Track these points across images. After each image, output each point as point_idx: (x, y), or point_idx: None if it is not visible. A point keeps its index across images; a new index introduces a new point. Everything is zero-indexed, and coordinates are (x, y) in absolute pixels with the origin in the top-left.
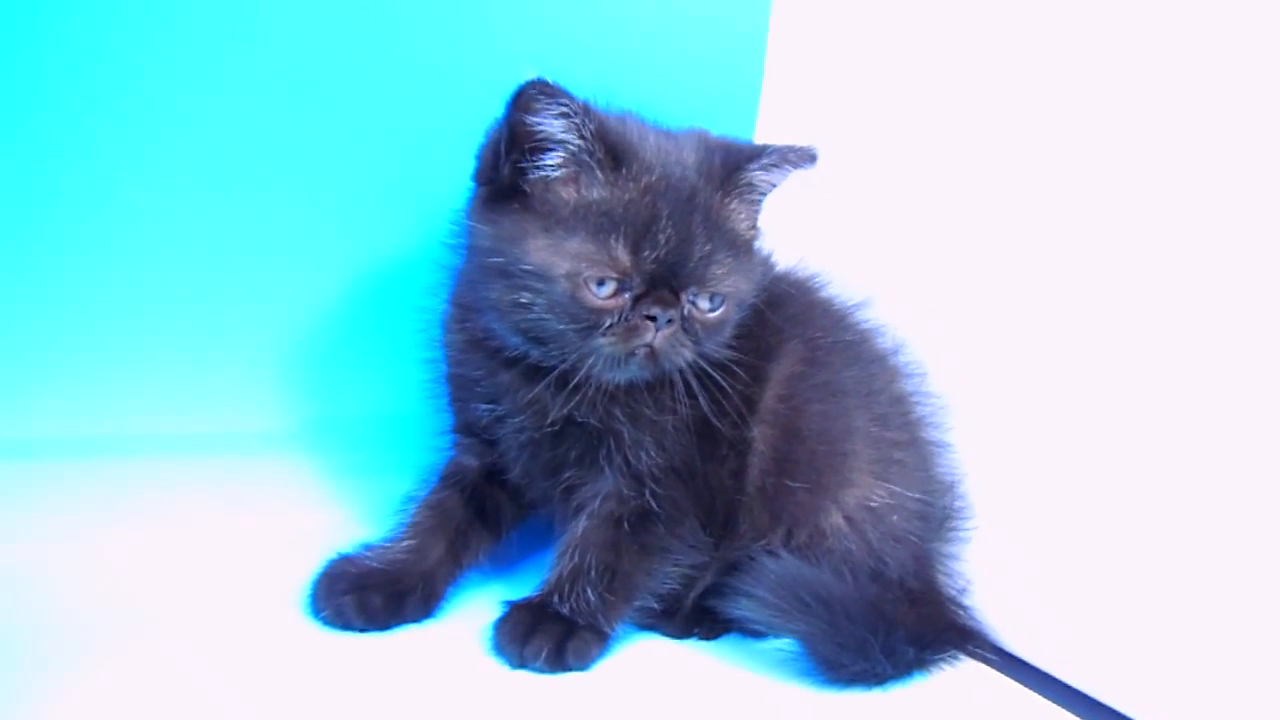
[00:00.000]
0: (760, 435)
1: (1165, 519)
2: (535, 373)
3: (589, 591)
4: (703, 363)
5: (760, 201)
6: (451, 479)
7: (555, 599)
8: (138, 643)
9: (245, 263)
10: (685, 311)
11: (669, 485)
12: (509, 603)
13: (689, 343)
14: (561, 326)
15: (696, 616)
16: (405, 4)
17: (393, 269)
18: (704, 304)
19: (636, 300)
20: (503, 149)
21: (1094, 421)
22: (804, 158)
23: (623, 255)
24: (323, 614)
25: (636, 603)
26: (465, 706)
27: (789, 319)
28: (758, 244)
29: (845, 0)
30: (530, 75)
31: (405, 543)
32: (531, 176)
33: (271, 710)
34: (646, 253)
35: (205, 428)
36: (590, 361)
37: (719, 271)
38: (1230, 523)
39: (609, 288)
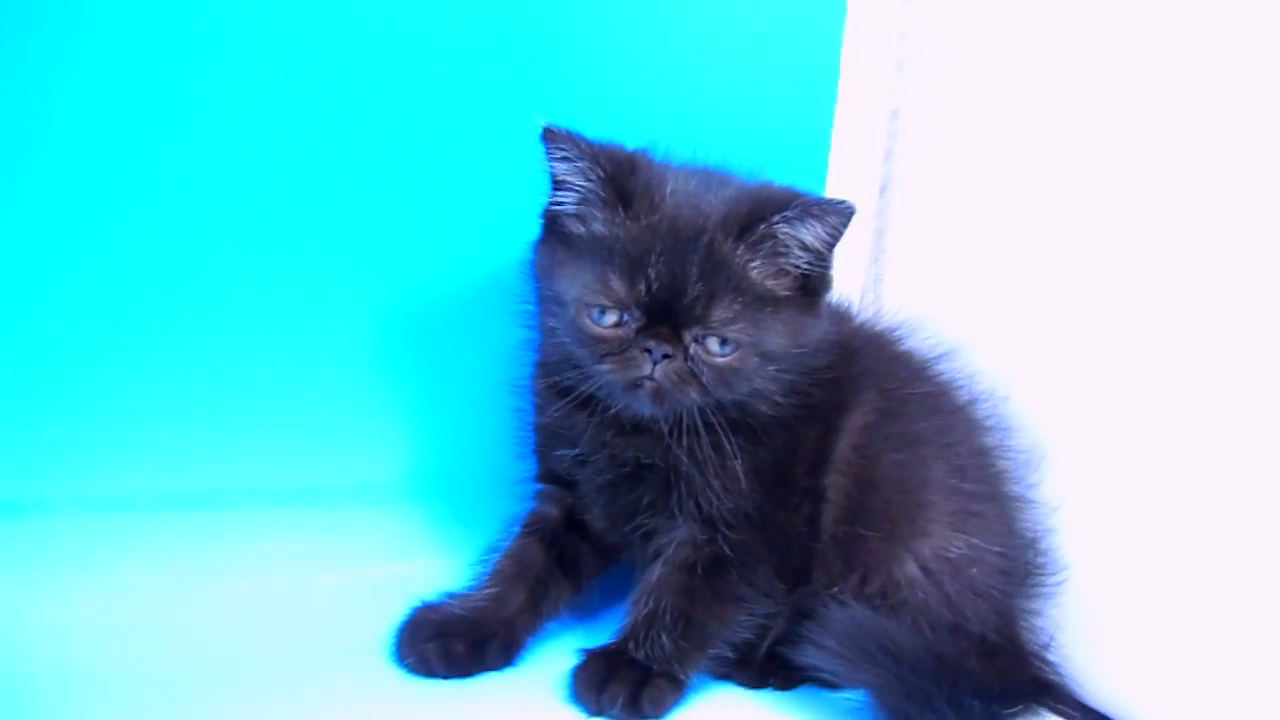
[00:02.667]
0: (834, 484)
1: (1254, 571)
2: (599, 411)
3: (664, 638)
4: (729, 410)
5: (794, 257)
6: (533, 527)
7: (631, 646)
8: (227, 690)
9: (337, 303)
10: (691, 352)
11: (741, 531)
12: (585, 650)
13: (696, 385)
14: (576, 351)
15: (771, 666)
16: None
17: (493, 315)
18: (713, 347)
19: (638, 333)
20: (551, 191)
21: (1182, 471)
22: (832, 212)
23: (617, 285)
24: (406, 661)
25: (712, 650)
26: None
27: (864, 370)
28: (816, 300)
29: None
30: (542, 122)
31: (487, 590)
32: (559, 213)
33: None
34: (640, 286)
35: (296, 480)
36: (604, 387)
37: (722, 315)
38: None
39: (610, 317)
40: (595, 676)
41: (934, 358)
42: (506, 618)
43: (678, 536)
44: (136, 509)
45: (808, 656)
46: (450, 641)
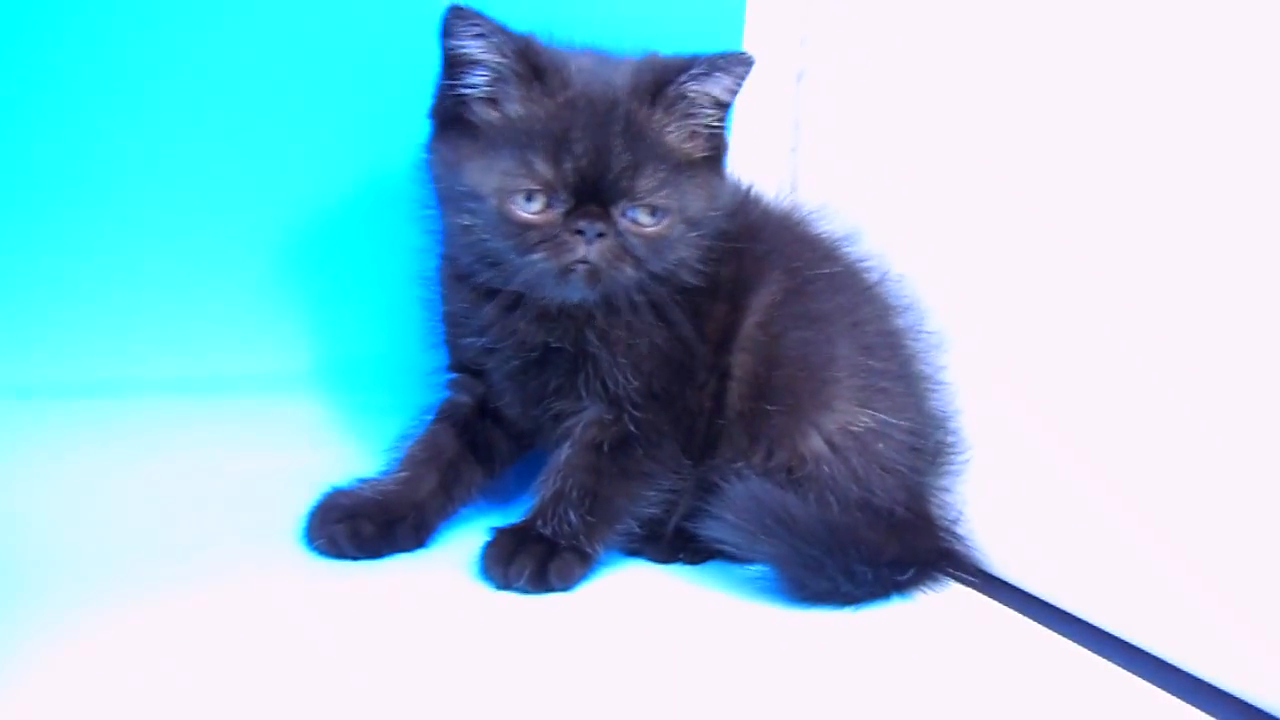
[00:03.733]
0: (739, 362)
1: (1146, 442)
2: (513, 302)
3: (570, 514)
4: (656, 283)
5: (704, 115)
6: (445, 415)
7: (539, 523)
8: (137, 571)
9: (249, 198)
10: (620, 227)
11: (647, 410)
12: (495, 528)
13: (630, 259)
14: (499, 245)
15: (681, 542)
16: None
17: (402, 208)
18: (643, 218)
19: (566, 216)
20: (441, 78)
21: (1081, 350)
22: (736, 63)
23: (542, 168)
24: (316, 543)
25: (619, 526)
26: (449, 627)
27: (771, 249)
28: (720, 163)
29: None
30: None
31: (398, 474)
32: (465, 100)
33: (263, 634)
34: (566, 164)
35: (212, 369)
36: (533, 280)
37: (648, 184)
38: (1214, 446)
39: (537, 203)
40: (503, 552)
41: (842, 239)
42: (417, 501)
43: (585, 417)
44: (47, 395)
45: (708, 530)
46: (360, 523)
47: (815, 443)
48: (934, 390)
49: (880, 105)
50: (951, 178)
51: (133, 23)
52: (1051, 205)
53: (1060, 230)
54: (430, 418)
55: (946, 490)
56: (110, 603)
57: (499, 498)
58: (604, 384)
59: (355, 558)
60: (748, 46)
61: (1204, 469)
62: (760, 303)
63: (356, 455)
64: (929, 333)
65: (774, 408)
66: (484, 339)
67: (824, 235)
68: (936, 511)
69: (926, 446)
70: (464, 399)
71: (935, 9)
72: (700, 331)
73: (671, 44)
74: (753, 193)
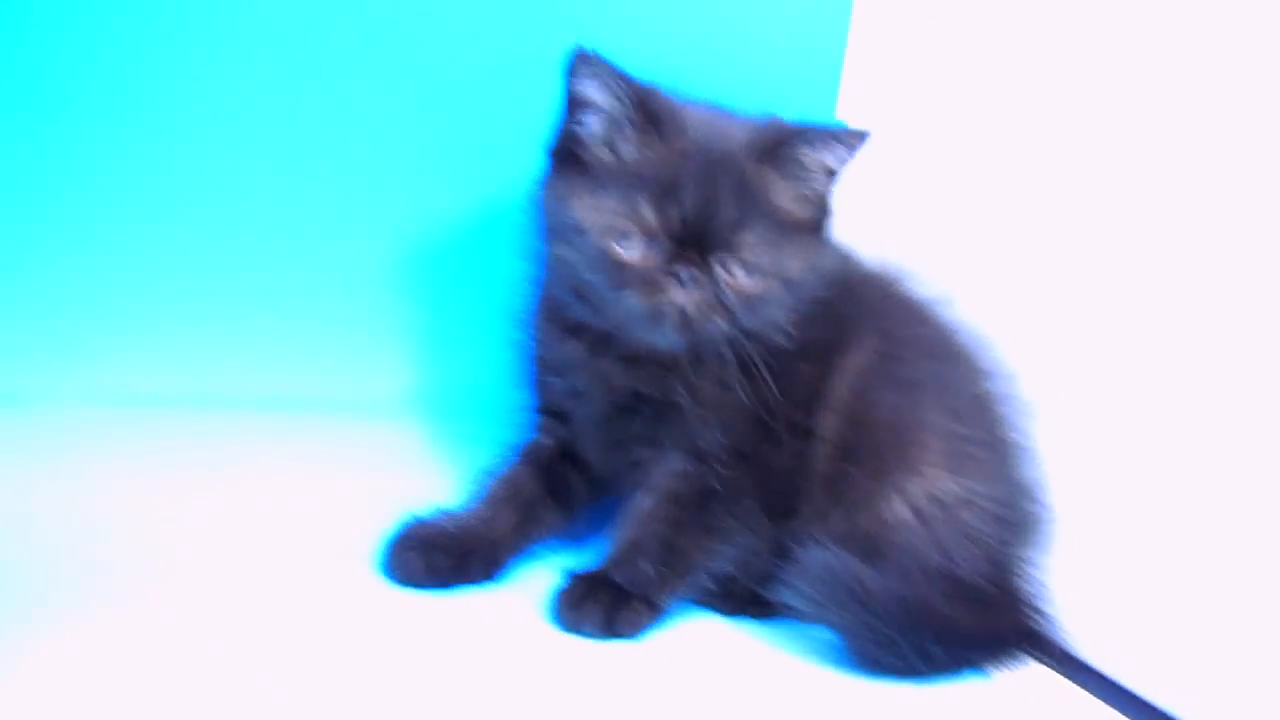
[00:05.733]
0: (827, 423)
1: (1247, 524)
2: (602, 343)
3: (644, 564)
4: (747, 340)
5: (815, 182)
6: (527, 455)
7: (613, 569)
8: (209, 587)
9: (358, 221)
10: (717, 278)
11: (731, 466)
12: (570, 572)
13: (723, 312)
14: (595, 279)
15: (751, 596)
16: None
17: (509, 241)
18: (739, 273)
19: (665, 261)
20: (561, 116)
21: (1186, 429)
22: (854, 138)
23: (646, 212)
24: (392, 570)
25: (692, 580)
26: (513, 664)
27: (865, 311)
28: (824, 229)
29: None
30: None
31: (477, 510)
32: (581, 140)
33: (324, 658)
34: (671, 211)
35: (311, 389)
36: (623, 318)
37: (750, 240)
38: None
39: (636, 244)
40: (574, 597)
41: (934, 301)
42: (493, 538)
43: (667, 467)
44: (143, 405)
45: (779, 595)
46: (434, 554)
47: (899, 508)
48: (1024, 459)
49: (977, 164)
50: (1046, 245)
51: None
52: (1144, 276)
53: (1156, 301)
54: (513, 457)
55: (1034, 565)
56: (181, 616)
57: (571, 537)
58: (689, 436)
59: (428, 588)
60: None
61: None
62: (851, 365)
63: (442, 485)
64: (1020, 399)
65: (858, 470)
66: (571, 380)
67: (918, 298)
68: (1022, 586)
69: (1014, 517)
70: (547, 441)
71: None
72: (788, 391)
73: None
74: (849, 253)
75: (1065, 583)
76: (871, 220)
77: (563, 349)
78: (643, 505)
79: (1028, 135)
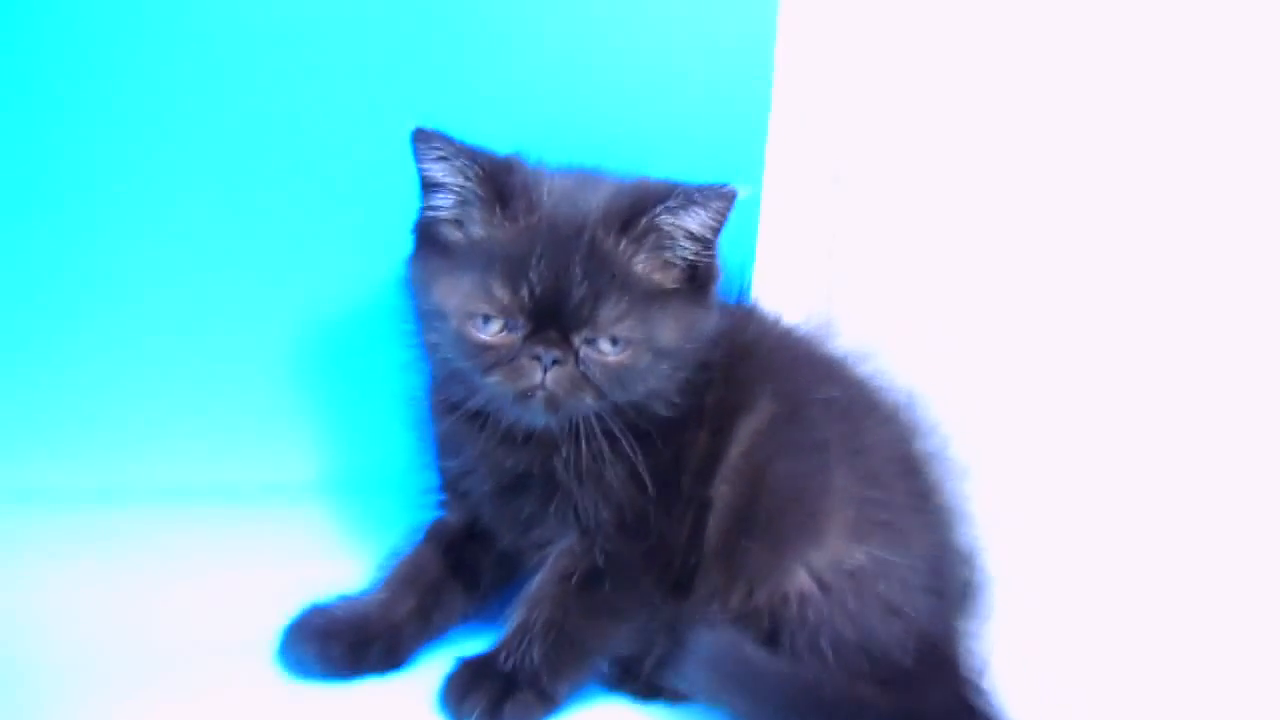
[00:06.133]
0: (720, 493)
1: (1211, 594)
2: (480, 422)
3: (534, 649)
4: (624, 412)
5: (678, 249)
6: (432, 535)
7: (502, 656)
8: (101, 682)
9: (257, 302)
10: (580, 355)
11: (619, 541)
12: (461, 658)
13: (590, 388)
14: (461, 365)
15: (660, 678)
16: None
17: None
18: (605, 347)
19: (525, 340)
20: (421, 198)
21: (1141, 483)
22: (714, 198)
23: (500, 292)
24: (287, 661)
25: (586, 665)
26: None
27: (759, 373)
28: (705, 291)
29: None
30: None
31: (375, 595)
32: (436, 220)
33: None
34: (522, 291)
35: (212, 476)
36: (493, 401)
37: (609, 314)
38: None
39: (494, 325)
40: (461, 685)
41: (851, 359)
42: (394, 622)
43: (559, 546)
44: (38, 501)
45: (673, 681)
46: (330, 643)
47: (802, 581)
48: (954, 523)
49: (919, 211)
50: (1000, 291)
51: (142, 117)
52: (1103, 327)
53: (1112, 354)
54: (418, 537)
55: (969, 636)
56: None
57: (489, 619)
58: (575, 513)
59: (325, 678)
60: (776, 145)
61: None
62: (746, 430)
63: (354, 570)
64: (952, 459)
65: (754, 543)
66: (462, 460)
67: (826, 356)
68: (957, 661)
69: (942, 586)
70: (453, 520)
71: (985, 108)
72: (678, 461)
73: (692, 139)
74: (751, 313)
75: (1008, 654)
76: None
77: (452, 429)
78: (533, 586)
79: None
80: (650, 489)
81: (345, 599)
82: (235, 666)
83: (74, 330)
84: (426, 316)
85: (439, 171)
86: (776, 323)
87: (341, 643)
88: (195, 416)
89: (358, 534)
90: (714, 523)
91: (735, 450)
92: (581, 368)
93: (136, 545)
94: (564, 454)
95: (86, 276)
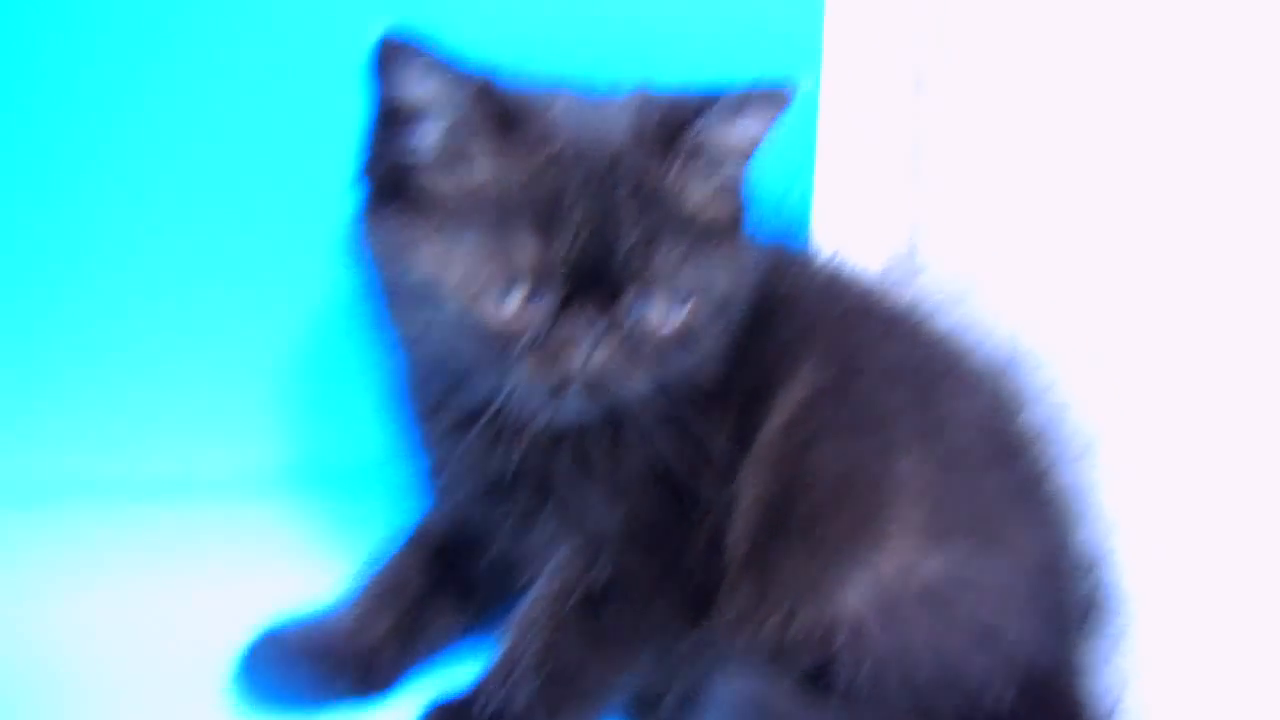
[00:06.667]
0: (750, 481)
1: None
2: (466, 421)
3: (520, 690)
4: (668, 389)
5: (730, 166)
6: (416, 541)
7: (480, 700)
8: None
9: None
10: (629, 321)
11: (630, 550)
12: (433, 703)
13: (641, 365)
14: (465, 359)
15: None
16: None
17: None
18: (657, 308)
19: (557, 310)
20: (374, 133)
21: None
22: (772, 100)
23: (526, 249)
24: (245, 689)
25: (588, 707)
26: None
27: (804, 330)
28: (742, 225)
29: None
30: (382, 30)
31: (347, 611)
32: (409, 164)
33: None
34: (557, 243)
35: (183, 467)
36: (510, 399)
37: (668, 260)
38: None
39: (516, 296)
40: None
41: (922, 310)
42: (368, 643)
43: (554, 560)
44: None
45: None
46: (293, 667)
47: (856, 598)
48: (1068, 519)
49: (1027, 118)
50: (1138, 223)
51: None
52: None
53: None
54: (400, 542)
55: (1095, 671)
56: None
57: (488, 637)
58: (576, 519)
59: (287, 708)
60: (836, 36)
61: None
62: (783, 405)
63: (330, 576)
64: (1070, 438)
65: (793, 550)
66: (439, 457)
67: (890, 307)
68: (1076, 703)
69: (1056, 604)
70: (439, 521)
71: None
72: (702, 447)
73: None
74: (789, 255)
75: (1146, 693)
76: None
77: (432, 428)
78: (523, 608)
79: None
80: (669, 484)
81: (314, 616)
82: (184, 692)
83: (36, 321)
84: (403, 296)
85: (419, 95)
86: (824, 266)
87: (309, 667)
88: (152, 403)
89: (331, 535)
90: (740, 524)
91: (769, 430)
92: (632, 339)
93: (88, 545)
94: (570, 448)
95: (52, 266)
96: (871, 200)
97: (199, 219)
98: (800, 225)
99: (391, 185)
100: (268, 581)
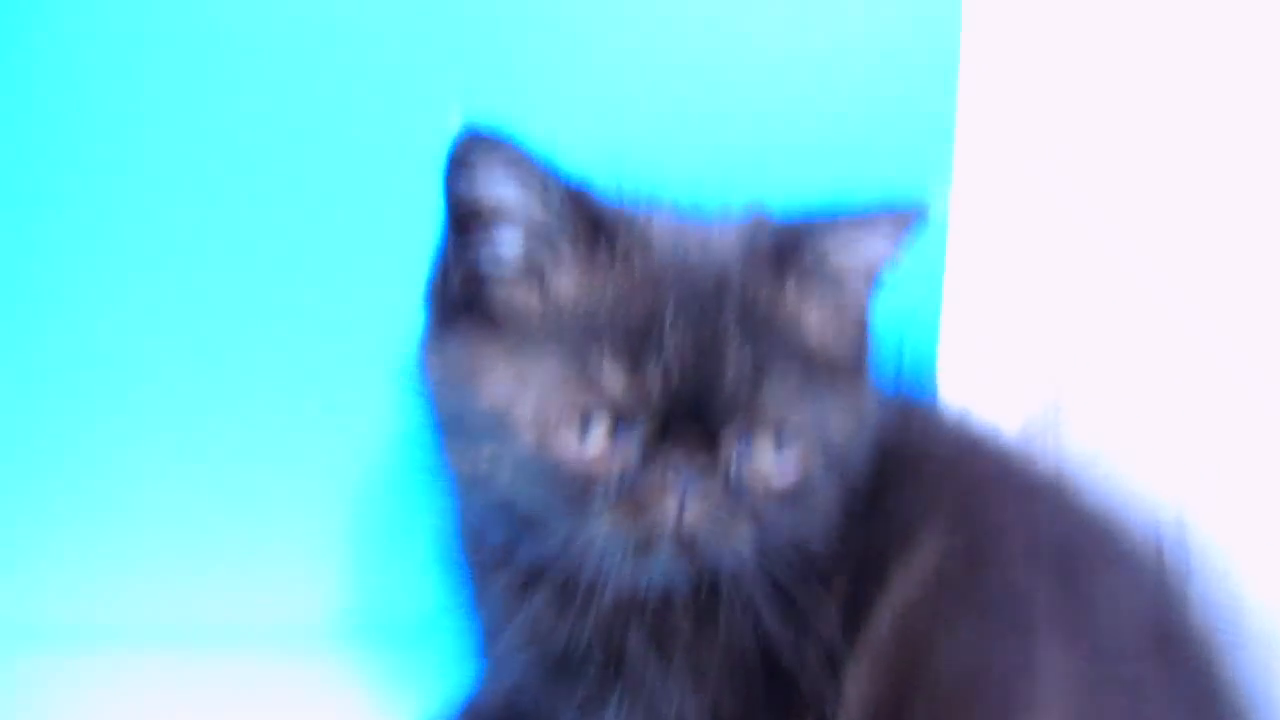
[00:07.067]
0: (858, 675)
1: None
2: (532, 578)
3: None
4: (771, 556)
5: (854, 294)
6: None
7: None
8: None
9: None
10: (733, 466)
11: None
12: None
13: (745, 521)
14: (538, 502)
15: None
16: None
17: None
18: (764, 452)
19: (647, 450)
20: (446, 243)
21: None
22: (905, 218)
23: (613, 375)
24: None
25: None
26: None
27: (928, 497)
28: (866, 365)
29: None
30: (459, 123)
31: None
32: (485, 274)
33: None
34: (651, 368)
35: (235, 618)
36: (585, 554)
37: (780, 397)
38: None
39: (599, 433)
40: None
41: (1069, 479)
42: None
43: None
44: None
45: None
46: None
47: None
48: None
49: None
50: None
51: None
52: None
53: None
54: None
55: None
56: None
57: None
58: (647, 706)
59: None
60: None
61: None
62: (901, 585)
63: None
64: (1242, 631)
65: None
66: (493, 621)
67: (1031, 476)
68: None
69: None
70: (490, 698)
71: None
72: (801, 633)
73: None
74: (912, 408)
75: None
76: None
77: (482, 586)
78: None
79: None
80: (766, 675)
81: None
82: None
83: (79, 460)
84: (467, 428)
85: (503, 195)
86: (953, 423)
87: None
88: (191, 550)
89: (378, 696)
90: None
91: (883, 616)
92: (735, 487)
93: (123, 694)
94: (650, 620)
95: (99, 396)
96: (1008, 347)
97: (255, 370)
98: (925, 375)
99: (464, 302)
100: None
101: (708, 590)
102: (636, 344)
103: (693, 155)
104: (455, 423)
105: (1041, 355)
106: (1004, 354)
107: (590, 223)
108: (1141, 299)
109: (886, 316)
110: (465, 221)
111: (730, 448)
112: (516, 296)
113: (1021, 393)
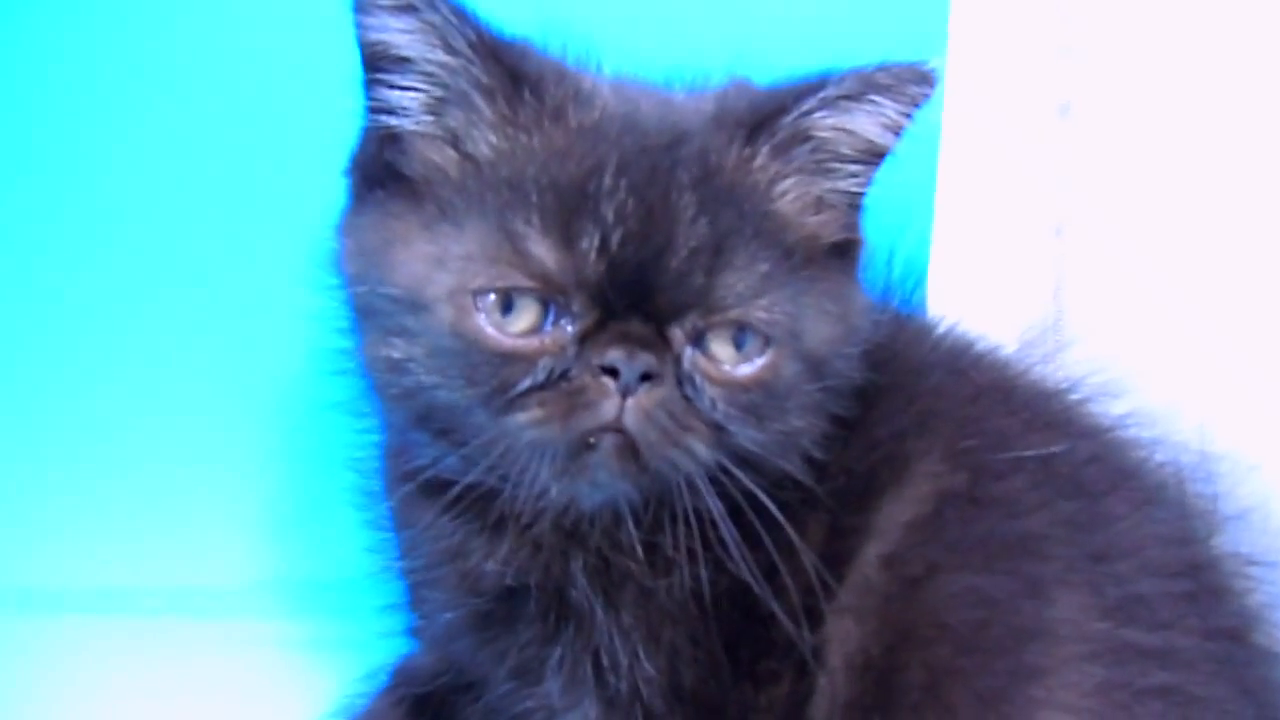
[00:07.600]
0: (840, 632)
1: None
2: (455, 499)
3: None
4: (733, 476)
5: (846, 172)
6: (397, 683)
7: None
8: None
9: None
10: (686, 363)
11: (668, 715)
12: None
13: (702, 425)
14: (454, 394)
15: None
16: None
17: None
18: (721, 345)
19: (584, 340)
20: (364, 102)
21: None
22: (904, 80)
23: (541, 246)
24: None
25: None
26: None
27: (922, 418)
28: (856, 259)
29: None
30: None
31: None
32: (397, 134)
33: None
34: (584, 241)
35: (162, 582)
36: (516, 463)
37: (741, 283)
38: None
39: (527, 312)
40: None
41: (1077, 397)
42: None
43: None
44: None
45: None
46: None
47: None
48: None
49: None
50: None
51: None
52: None
53: None
54: (380, 684)
55: None
56: None
57: None
58: (597, 661)
59: None
60: (958, 58)
61: None
62: (892, 519)
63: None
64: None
65: None
66: (417, 560)
67: (1037, 390)
68: None
69: None
70: (425, 658)
71: None
72: (773, 574)
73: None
74: (903, 321)
75: None
76: None
77: (407, 507)
78: None
79: None
80: (730, 624)
81: None
82: None
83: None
84: (379, 309)
85: (406, 36)
86: (947, 336)
87: None
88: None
89: (303, 664)
90: (829, 690)
91: (871, 555)
92: (687, 387)
93: (42, 654)
94: (592, 550)
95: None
96: (1005, 254)
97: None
98: (915, 284)
99: (381, 171)
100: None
101: (661, 511)
102: (569, 212)
103: None
104: (369, 310)
105: (1039, 261)
106: (999, 262)
107: (509, 73)
108: (1150, 194)
109: (875, 222)
110: (373, 71)
111: (681, 341)
112: (431, 158)
113: (1018, 303)
